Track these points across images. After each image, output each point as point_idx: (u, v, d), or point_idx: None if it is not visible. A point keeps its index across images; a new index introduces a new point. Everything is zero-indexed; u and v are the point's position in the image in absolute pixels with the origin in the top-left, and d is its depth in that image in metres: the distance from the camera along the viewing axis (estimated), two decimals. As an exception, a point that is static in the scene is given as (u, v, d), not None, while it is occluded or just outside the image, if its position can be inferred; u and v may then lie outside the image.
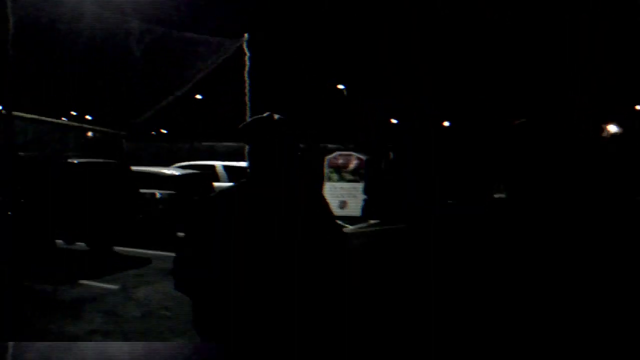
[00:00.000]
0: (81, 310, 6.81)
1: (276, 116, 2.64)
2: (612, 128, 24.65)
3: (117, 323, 6.48)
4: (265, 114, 2.67)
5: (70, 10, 18.42)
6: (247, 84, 16.55)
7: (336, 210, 18.63)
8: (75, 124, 19.82)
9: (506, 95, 40.71)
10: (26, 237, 8.53)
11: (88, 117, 25.13)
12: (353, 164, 19.53)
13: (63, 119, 20.27)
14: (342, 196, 19.09)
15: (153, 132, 49.80)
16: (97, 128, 23.67)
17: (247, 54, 19.04)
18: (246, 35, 19.64)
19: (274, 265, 2.43)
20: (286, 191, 2.63)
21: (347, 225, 17.79)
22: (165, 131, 52.83)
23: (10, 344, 2.08)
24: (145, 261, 9.80)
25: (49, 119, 17.30)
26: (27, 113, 19.01)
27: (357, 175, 19.45)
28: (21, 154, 10.70)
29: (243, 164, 16.23)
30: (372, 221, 18.62)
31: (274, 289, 2.40)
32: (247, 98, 16.37)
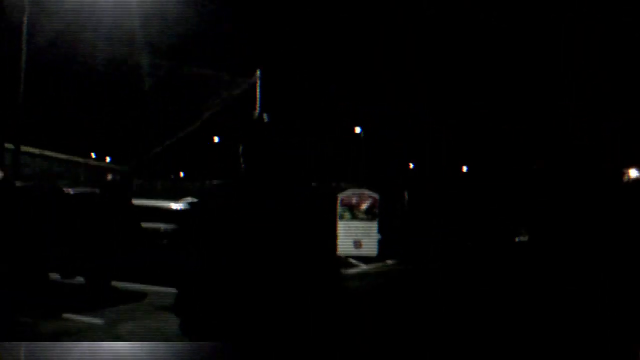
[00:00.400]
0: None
1: (266, 118, 2.70)
2: (634, 173, 24.03)
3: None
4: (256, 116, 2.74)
5: (84, 47, 18.51)
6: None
7: (350, 250, 18.06)
8: (81, 159, 19.65)
9: (523, 138, 40.31)
10: (17, 267, 8.17)
11: (107, 158, 25.18)
12: (366, 203, 19.04)
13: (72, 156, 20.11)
14: (357, 235, 18.54)
15: (164, 169, 49.93)
16: (106, 165, 23.60)
17: (259, 90, 18.90)
18: (258, 72, 19.54)
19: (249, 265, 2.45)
20: (273, 194, 2.58)
21: (361, 265, 17.37)
22: (176, 168, 52.81)
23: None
24: (141, 296, 9.28)
25: (57, 155, 17.25)
26: (35, 148, 19.00)
27: (370, 214, 18.94)
28: (17, 183, 10.36)
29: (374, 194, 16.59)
30: (389, 261, 18.18)
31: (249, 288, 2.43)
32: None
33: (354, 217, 18.92)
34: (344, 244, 18.42)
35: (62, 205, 9.66)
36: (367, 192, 19.31)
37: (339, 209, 19.03)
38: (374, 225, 18.66)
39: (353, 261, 16.92)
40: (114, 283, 9.96)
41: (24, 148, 17.60)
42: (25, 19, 17.34)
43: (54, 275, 9.71)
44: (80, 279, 9.96)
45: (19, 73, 16.86)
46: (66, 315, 7.66)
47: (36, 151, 18.97)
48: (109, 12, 16.87)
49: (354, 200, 19.12)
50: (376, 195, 19.06)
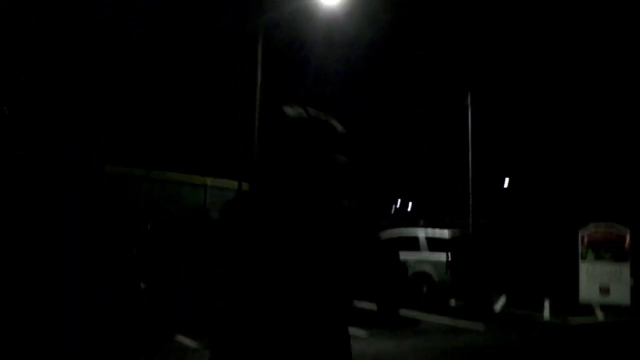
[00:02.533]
0: None
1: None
2: None
3: None
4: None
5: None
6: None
7: (595, 297, 15.10)
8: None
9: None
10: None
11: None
12: (615, 240, 15.86)
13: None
14: (602, 279, 15.48)
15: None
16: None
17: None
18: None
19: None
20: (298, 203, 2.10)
21: (608, 315, 14.36)
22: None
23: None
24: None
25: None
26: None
27: (620, 253, 15.70)
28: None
29: (445, 233, 13.97)
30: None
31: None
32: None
33: (599, 257, 15.86)
34: (588, 290, 15.45)
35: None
36: (615, 227, 16.08)
37: (581, 248, 16.14)
38: (625, 268, 15.44)
39: (598, 312, 13.99)
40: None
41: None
42: (259, 47, 17.98)
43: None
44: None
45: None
46: None
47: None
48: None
49: (598, 237, 16.08)
50: (627, 231, 15.77)
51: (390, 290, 11.89)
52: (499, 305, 14.84)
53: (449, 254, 13.12)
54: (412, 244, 14.05)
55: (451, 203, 29.46)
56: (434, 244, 13.63)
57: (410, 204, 47.72)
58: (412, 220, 29.22)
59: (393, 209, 49.08)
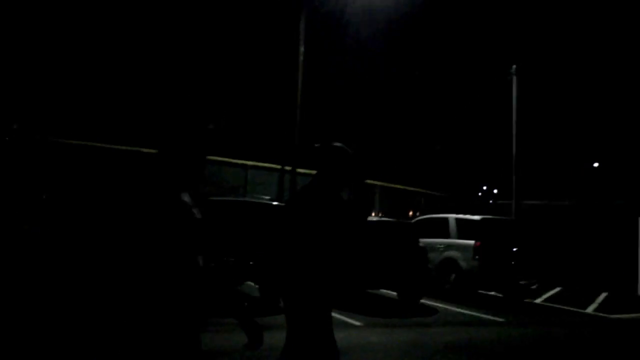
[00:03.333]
0: None
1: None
2: None
3: None
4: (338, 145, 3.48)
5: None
6: None
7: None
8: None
9: None
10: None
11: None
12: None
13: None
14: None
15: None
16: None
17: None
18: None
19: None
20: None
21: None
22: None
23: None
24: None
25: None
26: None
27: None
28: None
29: (475, 217, 12.70)
30: None
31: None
32: None
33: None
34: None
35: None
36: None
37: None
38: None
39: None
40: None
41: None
42: (301, 25, 17.34)
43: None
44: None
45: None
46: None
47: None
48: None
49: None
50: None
51: (410, 277, 10.97)
52: (541, 297, 13.53)
53: (478, 240, 11.97)
54: (442, 229, 13.00)
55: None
56: (464, 229, 12.51)
57: (495, 190, 45.79)
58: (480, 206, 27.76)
59: (480, 194, 47.36)
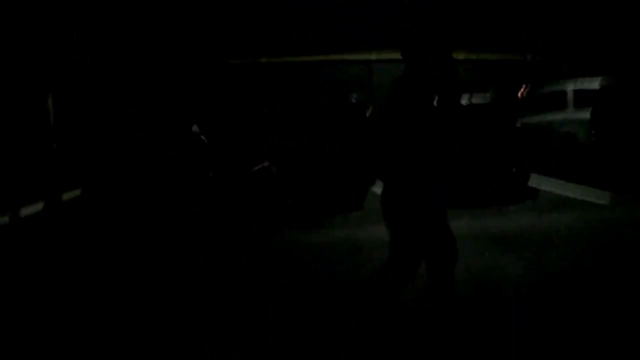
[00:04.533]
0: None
1: None
2: None
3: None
4: None
5: None
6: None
7: None
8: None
9: None
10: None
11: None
12: None
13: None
14: None
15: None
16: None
17: None
18: None
19: None
20: None
21: None
22: None
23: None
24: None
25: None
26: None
27: None
28: None
29: (594, 83, 10.86)
30: None
31: None
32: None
33: None
34: None
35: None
36: None
37: None
38: None
39: None
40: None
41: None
42: None
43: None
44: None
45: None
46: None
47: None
48: None
49: None
50: None
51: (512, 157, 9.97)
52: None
53: (593, 109, 10.56)
54: (560, 101, 11.68)
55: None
56: (582, 99, 11.08)
57: None
58: None
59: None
